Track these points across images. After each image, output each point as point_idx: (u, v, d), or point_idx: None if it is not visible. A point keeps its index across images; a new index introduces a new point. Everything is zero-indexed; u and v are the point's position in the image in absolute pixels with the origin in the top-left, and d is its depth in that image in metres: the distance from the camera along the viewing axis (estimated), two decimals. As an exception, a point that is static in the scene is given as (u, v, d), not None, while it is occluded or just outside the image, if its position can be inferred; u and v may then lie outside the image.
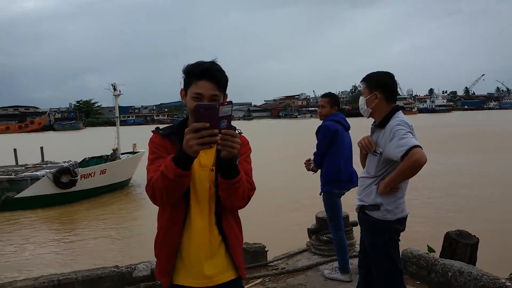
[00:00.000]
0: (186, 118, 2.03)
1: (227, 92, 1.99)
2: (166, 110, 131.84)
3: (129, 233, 12.49)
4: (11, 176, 17.02)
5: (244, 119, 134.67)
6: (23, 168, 19.70)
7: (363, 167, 3.09)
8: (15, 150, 22.67)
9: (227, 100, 1.91)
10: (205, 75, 1.87)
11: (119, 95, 20.99)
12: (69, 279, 4.12)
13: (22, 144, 27.39)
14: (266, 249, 5.38)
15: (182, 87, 1.99)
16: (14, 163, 21.95)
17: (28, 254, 11.11)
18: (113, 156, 19.90)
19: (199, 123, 1.59)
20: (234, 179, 1.76)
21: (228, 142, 1.63)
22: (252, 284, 4.59)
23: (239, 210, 2.04)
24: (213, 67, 1.90)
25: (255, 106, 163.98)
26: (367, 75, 2.99)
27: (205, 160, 1.92)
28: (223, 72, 1.94)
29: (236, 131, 1.81)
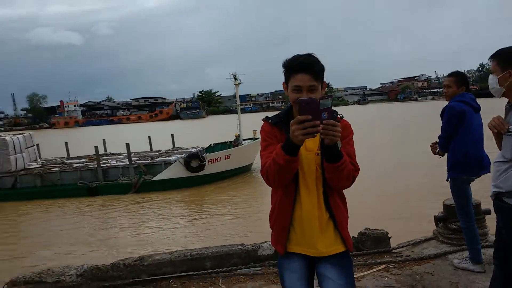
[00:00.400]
0: (290, 107, 2.20)
1: (335, 78, 2.24)
2: (280, 97, 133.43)
3: (253, 214, 13.12)
4: (148, 161, 18.89)
5: (358, 104, 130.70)
6: (157, 153, 21.71)
7: (500, 150, 2.93)
8: (149, 137, 24.97)
9: (326, 86, 2.15)
10: (302, 68, 2.03)
11: (239, 83, 21.89)
12: (200, 254, 4.52)
13: (153, 132, 29.94)
14: (389, 235, 5.32)
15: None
16: (149, 149, 24.31)
17: (164, 231, 12.25)
18: (236, 142, 20.88)
19: (303, 116, 1.80)
20: (338, 162, 1.95)
21: (329, 131, 1.82)
22: (376, 269, 4.60)
23: (350, 190, 2.18)
24: (308, 60, 2.05)
25: (370, 89, 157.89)
26: (497, 51, 2.77)
27: (311, 144, 2.11)
28: (318, 62, 2.07)
29: (338, 116, 2.08)
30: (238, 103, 22.73)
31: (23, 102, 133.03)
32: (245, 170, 20.56)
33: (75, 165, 19.50)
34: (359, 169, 2.09)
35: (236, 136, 21.11)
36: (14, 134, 20.95)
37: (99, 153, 19.15)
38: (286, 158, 1.91)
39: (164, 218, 13.65)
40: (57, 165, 20.03)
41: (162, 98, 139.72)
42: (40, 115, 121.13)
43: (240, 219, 12.91)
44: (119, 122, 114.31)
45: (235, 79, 21.72)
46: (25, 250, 11.43)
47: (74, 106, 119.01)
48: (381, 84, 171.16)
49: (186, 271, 4.34)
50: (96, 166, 18.27)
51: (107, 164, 18.91)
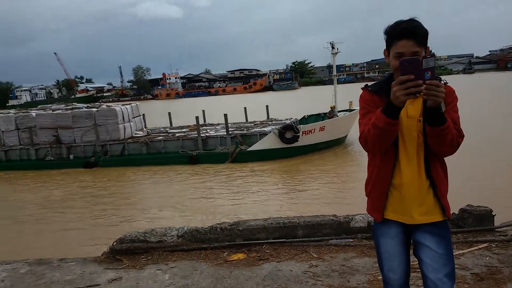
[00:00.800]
0: (391, 75, 2.15)
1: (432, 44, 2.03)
2: (377, 66, 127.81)
3: (346, 187, 13.07)
4: (244, 132, 19.49)
5: (463, 73, 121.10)
6: (252, 124, 22.30)
7: None
8: (245, 108, 25.65)
9: (429, 52, 2.04)
10: (404, 35, 1.97)
11: (336, 53, 21.44)
12: (292, 223, 4.48)
13: (247, 103, 30.59)
14: (493, 213, 5.06)
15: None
16: (244, 120, 25.03)
17: (257, 199, 12.70)
18: (331, 113, 20.59)
19: (405, 76, 1.78)
20: (441, 126, 1.90)
21: (432, 91, 1.79)
22: (476, 248, 4.43)
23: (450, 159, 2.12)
24: (411, 25, 1.98)
25: (477, 57, 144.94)
26: None
27: (412, 111, 2.06)
28: (421, 27, 1.99)
29: (442, 82, 1.92)
30: (335, 73, 22.31)
31: (129, 74, 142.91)
32: (339, 142, 20.31)
33: (177, 134, 20.73)
34: (463, 136, 2.03)
35: (331, 107, 20.79)
36: (122, 105, 22.77)
37: (199, 123, 20.13)
38: (386, 121, 1.90)
39: (258, 187, 14.08)
40: (161, 134, 21.46)
41: (256, 70, 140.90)
42: (144, 87, 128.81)
43: (332, 191, 12.93)
44: (216, 93, 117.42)
45: (333, 48, 21.29)
46: (132, 211, 12.51)
47: (175, 78, 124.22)
48: (489, 51, 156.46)
49: (279, 238, 4.44)
50: (197, 135, 19.27)
51: (206, 134, 19.82)
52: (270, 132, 18.24)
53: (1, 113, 23.00)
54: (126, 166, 19.03)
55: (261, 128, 19.95)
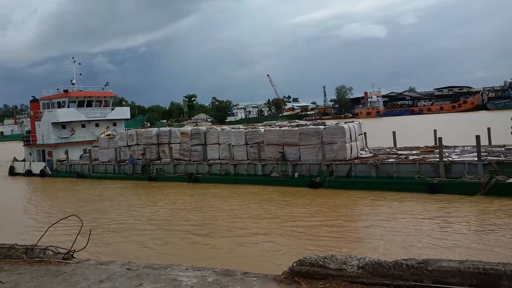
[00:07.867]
0: None
1: None
2: None
3: None
4: (501, 158, 15.98)
5: None
6: (503, 149, 18.39)
7: None
8: (488, 129, 21.65)
9: None
10: None
11: None
12: (496, 270, 3.76)
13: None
14: None
15: None
16: (487, 144, 20.95)
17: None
18: None
19: None
20: None
21: None
22: None
23: None
24: None
25: None
26: None
27: None
28: None
29: None
30: None
31: (332, 94, 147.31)
32: None
33: (411, 157, 18.30)
34: None
35: None
36: (345, 122, 21.46)
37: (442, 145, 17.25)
38: None
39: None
40: (391, 156, 19.26)
41: (467, 87, 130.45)
42: (345, 106, 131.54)
43: None
44: (420, 112, 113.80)
45: None
46: (331, 234, 12.14)
47: (377, 97, 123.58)
48: None
49: (476, 286, 3.76)
50: (438, 160, 16.53)
51: (449, 158, 16.94)
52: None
53: (232, 128, 24.19)
54: (352, 189, 17.51)
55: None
